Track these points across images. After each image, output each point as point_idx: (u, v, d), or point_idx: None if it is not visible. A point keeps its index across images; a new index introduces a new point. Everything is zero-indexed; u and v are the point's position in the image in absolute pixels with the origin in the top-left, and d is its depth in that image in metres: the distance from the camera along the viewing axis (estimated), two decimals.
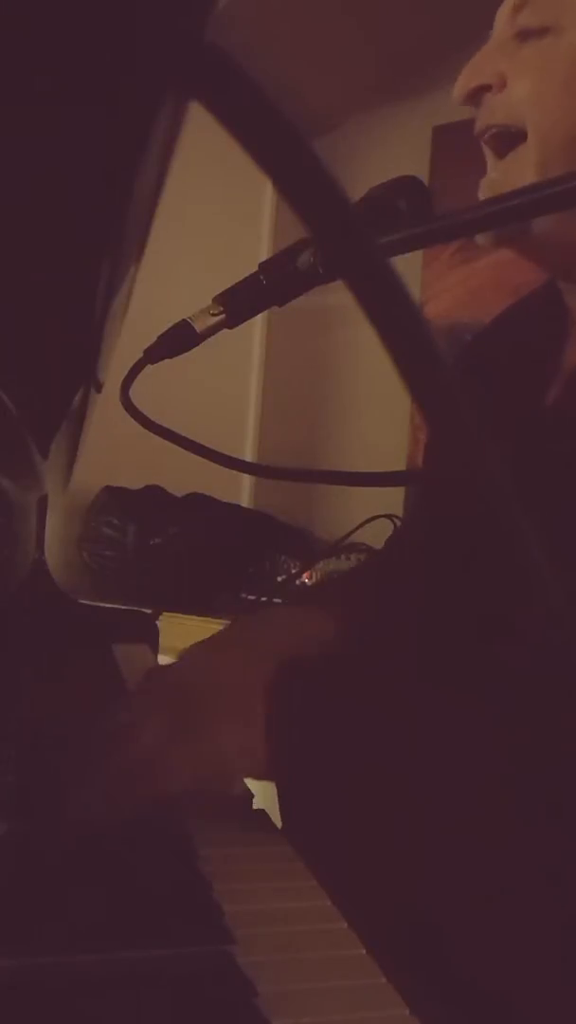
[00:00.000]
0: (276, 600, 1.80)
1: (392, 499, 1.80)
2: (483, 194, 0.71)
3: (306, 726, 0.56)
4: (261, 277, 0.74)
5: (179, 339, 0.76)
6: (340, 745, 0.55)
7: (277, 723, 0.55)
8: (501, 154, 0.69)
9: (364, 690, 0.58)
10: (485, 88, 0.69)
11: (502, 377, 0.76)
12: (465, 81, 0.70)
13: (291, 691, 0.57)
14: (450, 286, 2.12)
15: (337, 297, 0.31)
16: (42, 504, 1.04)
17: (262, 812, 0.58)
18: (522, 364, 0.75)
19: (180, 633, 1.66)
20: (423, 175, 1.58)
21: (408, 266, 1.98)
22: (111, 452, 1.62)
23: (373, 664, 0.63)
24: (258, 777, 0.57)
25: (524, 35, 0.67)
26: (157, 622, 1.11)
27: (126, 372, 0.79)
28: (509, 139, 0.68)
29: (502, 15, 0.69)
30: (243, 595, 1.85)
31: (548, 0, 0.66)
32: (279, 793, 0.57)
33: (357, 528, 1.83)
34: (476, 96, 0.69)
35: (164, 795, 0.54)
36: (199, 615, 1.76)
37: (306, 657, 0.61)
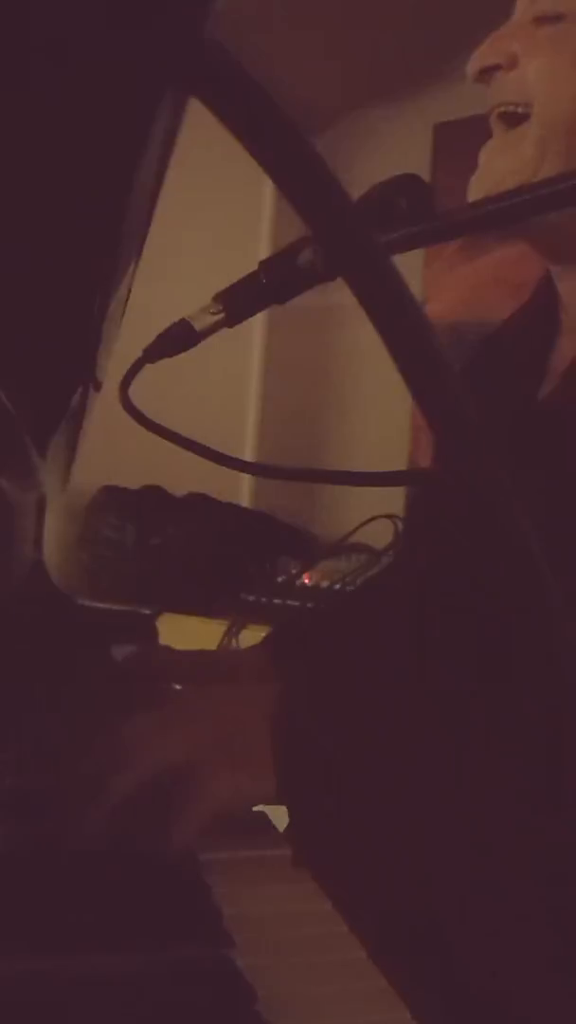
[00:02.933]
0: (276, 600, 1.80)
1: (392, 499, 1.79)
2: (476, 179, 0.72)
3: (312, 739, 0.56)
4: (261, 276, 0.73)
5: (178, 338, 0.76)
6: (343, 759, 0.55)
7: (284, 745, 0.54)
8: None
9: (363, 708, 0.58)
10: (497, 67, 0.70)
11: (499, 375, 0.77)
12: (479, 59, 0.72)
13: (295, 714, 0.56)
14: (452, 284, 2.12)
15: (337, 296, 0.31)
16: (41, 504, 1.03)
17: (262, 815, 0.58)
18: (518, 361, 0.76)
19: (180, 633, 1.66)
20: (424, 173, 1.58)
21: (409, 264, 1.98)
22: (110, 452, 1.62)
23: (372, 682, 0.63)
24: (263, 801, 0.56)
25: (541, 20, 0.70)
26: (157, 622, 1.11)
27: (125, 371, 0.79)
28: (516, 119, 0.69)
29: (522, 1, 0.71)
30: (243, 595, 1.85)
31: None
32: (290, 813, 0.57)
33: (357, 528, 1.83)
34: (488, 74, 0.71)
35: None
36: (199, 615, 1.76)
37: (305, 689, 0.61)
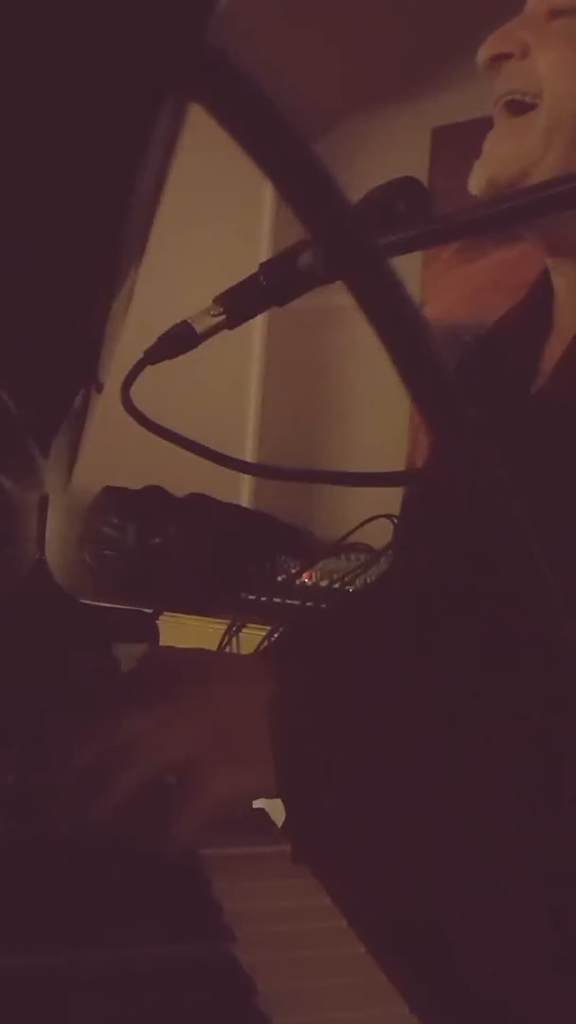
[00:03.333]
0: (276, 600, 1.80)
1: (392, 499, 1.79)
2: (479, 164, 0.72)
3: (311, 738, 0.56)
4: (261, 278, 0.74)
5: (180, 340, 0.76)
6: (345, 754, 0.55)
7: (283, 742, 0.54)
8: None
9: (362, 706, 0.58)
10: (507, 55, 0.71)
11: (493, 374, 0.77)
12: (490, 47, 0.72)
13: (294, 711, 0.56)
14: (450, 287, 2.12)
15: (337, 298, 0.31)
16: (43, 504, 1.04)
17: (262, 811, 0.58)
18: (512, 360, 0.76)
19: (180, 633, 1.66)
20: (422, 176, 1.58)
21: (408, 267, 1.98)
22: (111, 452, 1.62)
23: (371, 681, 0.63)
24: (263, 796, 0.56)
25: (554, 13, 0.70)
26: (157, 622, 1.11)
27: (127, 372, 0.79)
28: (523, 108, 0.70)
29: None
30: (243, 595, 1.85)
31: None
32: (286, 805, 0.57)
33: (357, 528, 1.83)
34: (498, 62, 0.71)
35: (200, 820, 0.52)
36: (199, 615, 1.76)
37: (304, 680, 0.61)
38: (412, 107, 2.20)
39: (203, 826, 0.51)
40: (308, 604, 1.74)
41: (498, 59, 0.72)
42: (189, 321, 0.76)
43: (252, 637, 1.62)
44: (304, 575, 1.85)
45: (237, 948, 0.41)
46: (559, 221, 0.70)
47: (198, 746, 0.54)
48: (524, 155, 0.69)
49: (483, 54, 0.73)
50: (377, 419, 2.22)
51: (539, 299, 0.78)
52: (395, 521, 1.72)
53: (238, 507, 2.28)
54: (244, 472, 2.22)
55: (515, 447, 0.66)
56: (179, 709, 0.58)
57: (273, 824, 0.58)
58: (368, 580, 1.70)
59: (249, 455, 2.42)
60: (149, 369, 0.79)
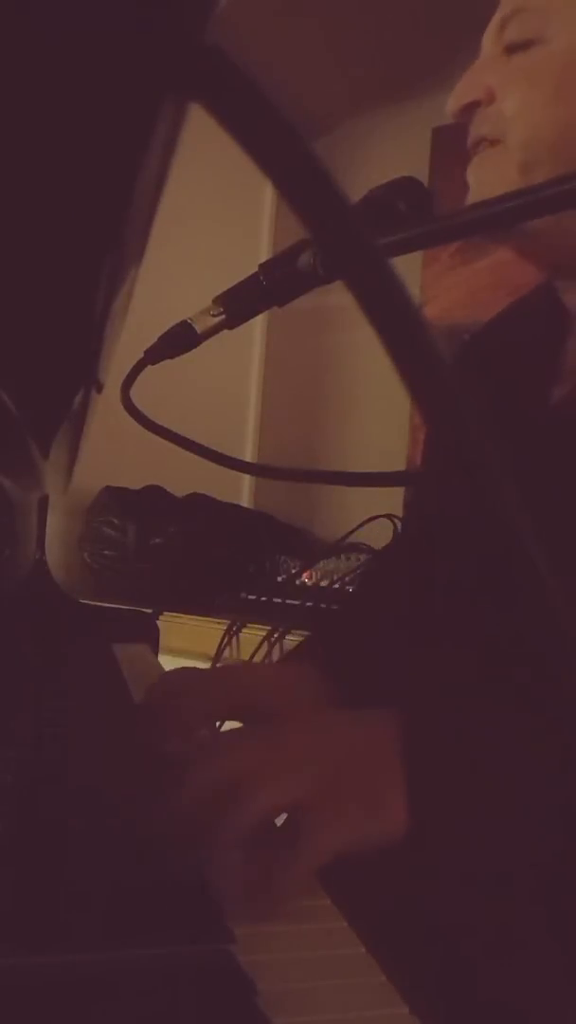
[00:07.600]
0: (276, 600, 1.80)
1: (392, 499, 1.80)
2: (470, 198, 0.72)
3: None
4: (261, 278, 0.74)
5: (180, 339, 0.76)
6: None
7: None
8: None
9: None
10: (476, 103, 0.70)
11: (502, 377, 0.76)
12: (457, 97, 0.72)
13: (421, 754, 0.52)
14: (450, 287, 2.12)
15: (337, 298, 0.31)
16: (43, 504, 1.04)
17: None
18: (522, 363, 0.75)
19: (180, 633, 1.66)
20: (422, 176, 1.58)
21: (408, 267, 1.98)
22: (111, 452, 1.62)
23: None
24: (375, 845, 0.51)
25: (511, 49, 0.69)
26: (157, 622, 1.12)
27: (127, 372, 0.79)
28: (491, 144, 0.70)
29: (490, 33, 0.71)
30: (243, 595, 1.85)
31: (532, 13, 0.68)
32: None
33: (357, 528, 1.83)
34: (469, 111, 0.71)
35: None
36: (199, 615, 1.76)
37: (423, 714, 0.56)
38: (412, 107, 2.20)
39: (310, 876, 0.47)
40: (308, 604, 1.74)
41: (468, 108, 0.71)
42: (189, 321, 0.76)
43: (252, 637, 1.62)
44: (304, 575, 1.85)
45: (237, 948, 0.41)
46: (541, 237, 0.69)
47: (310, 791, 0.49)
48: (507, 185, 0.68)
49: (452, 106, 0.72)
50: (377, 419, 2.22)
51: (545, 302, 0.76)
52: (395, 521, 1.73)
53: (238, 507, 2.28)
54: (244, 472, 2.22)
55: (538, 452, 0.64)
56: (287, 744, 0.52)
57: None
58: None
59: (249, 455, 2.42)
60: (149, 369, 0.80)
